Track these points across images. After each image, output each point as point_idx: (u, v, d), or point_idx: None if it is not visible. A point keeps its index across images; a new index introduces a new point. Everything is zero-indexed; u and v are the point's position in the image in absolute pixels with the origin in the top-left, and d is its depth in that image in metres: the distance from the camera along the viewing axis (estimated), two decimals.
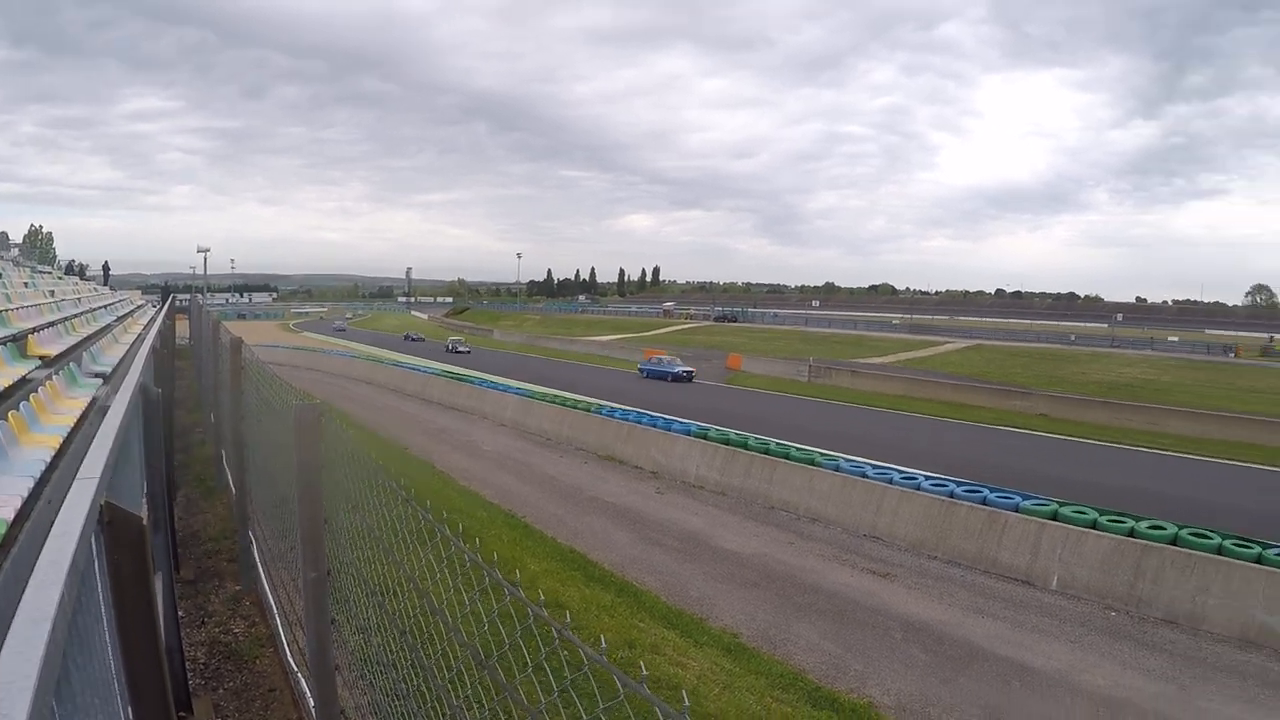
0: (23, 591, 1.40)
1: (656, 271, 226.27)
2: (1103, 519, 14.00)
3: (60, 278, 30.37)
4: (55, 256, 76.89)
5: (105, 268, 59.13)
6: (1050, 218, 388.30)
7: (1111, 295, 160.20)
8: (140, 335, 15.04)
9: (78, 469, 2.33)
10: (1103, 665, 11.04)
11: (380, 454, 3.52)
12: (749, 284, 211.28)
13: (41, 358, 8.28)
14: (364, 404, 35.37)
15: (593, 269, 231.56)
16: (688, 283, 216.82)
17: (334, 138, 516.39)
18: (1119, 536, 13.50)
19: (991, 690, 10.26)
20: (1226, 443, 29.13)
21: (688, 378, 45.83)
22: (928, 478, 17.32)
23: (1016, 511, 14.79)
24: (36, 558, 1.56)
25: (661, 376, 45.95)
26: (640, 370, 48.46)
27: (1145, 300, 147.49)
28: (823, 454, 19.71)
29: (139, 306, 31.72)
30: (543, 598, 2.04)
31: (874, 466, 18.42)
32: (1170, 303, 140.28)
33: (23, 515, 3.34)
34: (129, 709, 2.28)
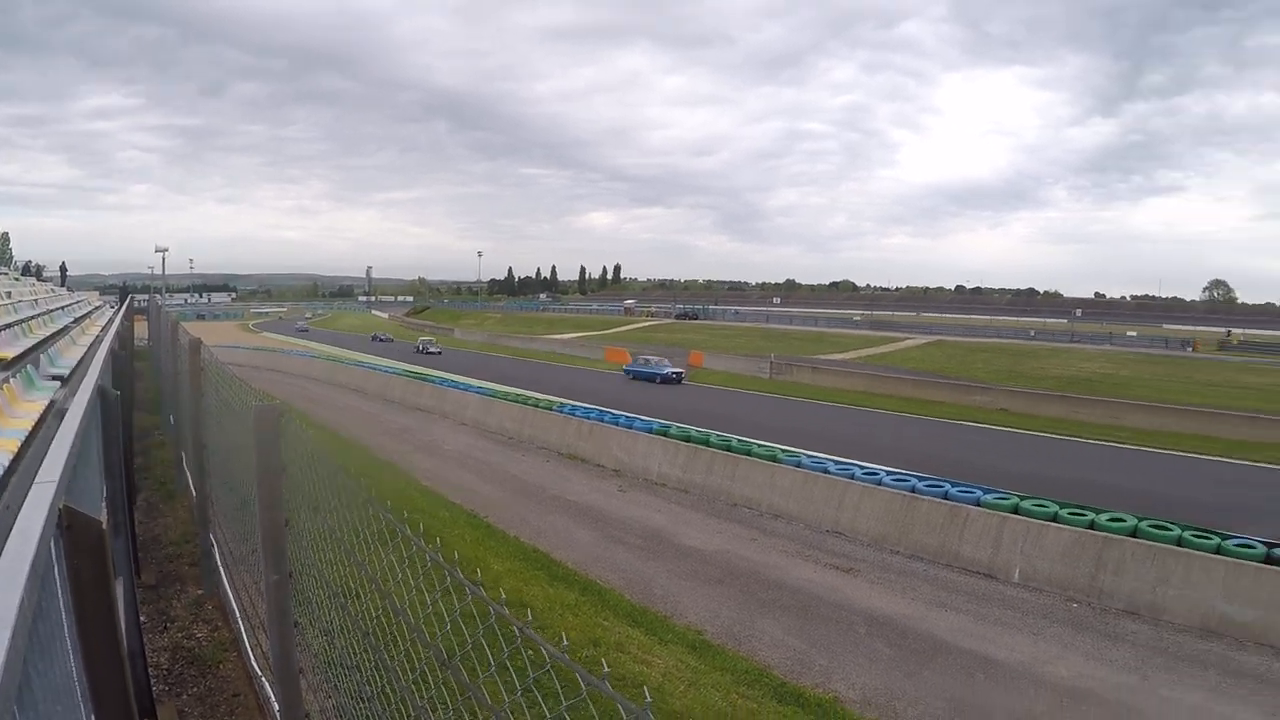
0: None
1: (618, 269, 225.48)
2: (1063, 512, 14.22)
3: (17, 279, 29.70)
4: (11, 257, 75.27)
5: (63, 268, 57.99)
6: (1009, 214, 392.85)
7: (1071, 291, 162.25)
8: (98, 337, 14.82)
9: (36, 473, 2.32)
10: (1066, 656, 11.22)
11: (341, 454, 3.53)
12: (710, 281, 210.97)
13: None
14: (324, 404, 35.11)
15: (554, 267, 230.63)
16: (649, 280, 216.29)
17: (293, 135, 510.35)
18: (1080, 529, 13.72)
19: (956, 683, 10.40)
20: (1184, 436, 29.60)
21: (677, 379, 44.46)
22: (889, 473, 17.49)
23: (978, 506, 14.98)
24: None
25: (649, 378, 44.66)
26: (626, 372, 47.11)
27: (1104, 296, 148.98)
28: (784, 450, 19.82)
29: (97, 307, 31.17)
30: (504, 597, 2.06)
31: (836, 462, 18.58)
32: (1129, 298, 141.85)
33: None
34: (92, 716, 2.26)
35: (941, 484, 16.12)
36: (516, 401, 29.30)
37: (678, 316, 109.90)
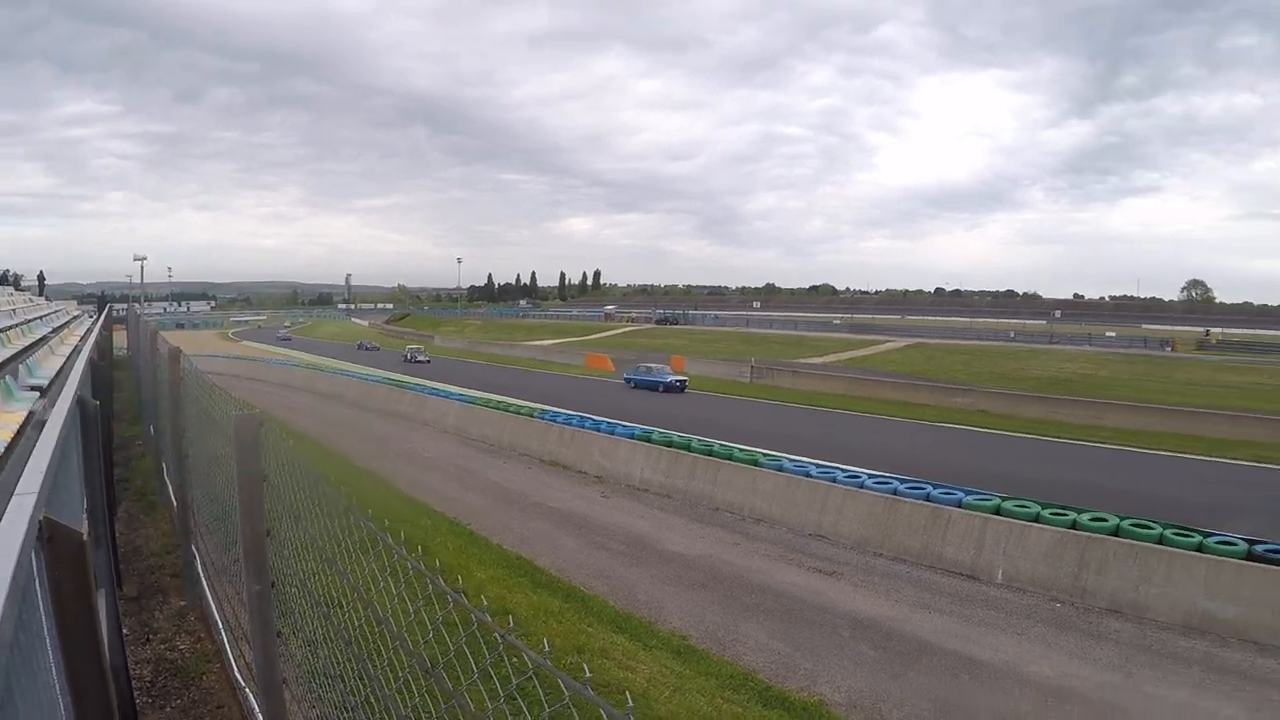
0: None
1: (597, 275, 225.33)
2: (1045, 512, 14.31)
3: None
4: None
5: (40, 277, 57.32)
6: (987, 216, 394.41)
7: (1049, 292, 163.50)
8: (77, 347, 14.74)
9: (15, 484, 2.31)
10: (1050, 656, 11.28)
11: (322, 463, 3.52)
12: (689, 286, 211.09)
13: None
14: (305, 413, 34.85)
15: (533, 273, 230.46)
16: (629, 285, 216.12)
17: (269, 141, 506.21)
18: (1062, 529, 13.81)
19: (941, 684, 10.43)
20: (1165, 435, 29.91)
21: (680, 388, 43.38)
22: (871, 476, 17.55)
23: (960, 507, 15.06)
24: None
25: (652, 387, 43.68)
26: (627, 380, 46.25)
27: (1083, 296, 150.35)
28: (766, 454, 19.89)
29: (75, 317, 31.02)
30: (487, 604, 2.07)
31: (818, 466, 18.63)
32: (1107, 299, 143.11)
33: None
34: None
35: (923, 486, 16.19)
36: (497, 409, 29.24)
37: (658, 321, 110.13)
